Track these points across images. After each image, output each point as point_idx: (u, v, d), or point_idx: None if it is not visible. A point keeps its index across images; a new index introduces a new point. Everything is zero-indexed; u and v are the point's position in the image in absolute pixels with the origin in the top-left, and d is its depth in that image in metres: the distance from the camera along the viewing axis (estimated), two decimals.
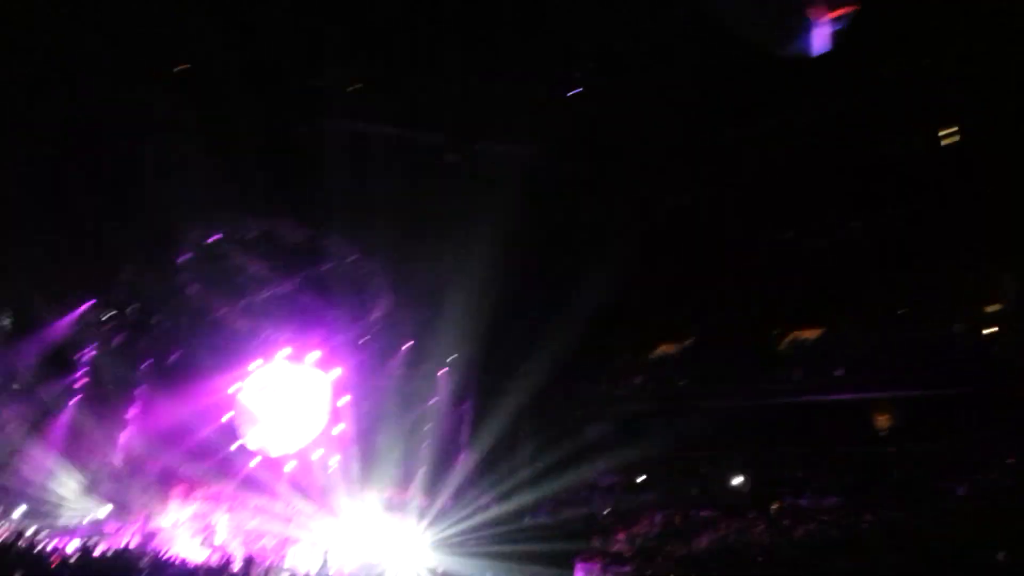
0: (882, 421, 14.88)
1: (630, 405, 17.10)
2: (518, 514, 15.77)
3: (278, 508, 16.34)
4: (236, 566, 12.47)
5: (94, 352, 16.97)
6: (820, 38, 11.85)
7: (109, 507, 15.64)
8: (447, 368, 18.70)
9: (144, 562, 11.47)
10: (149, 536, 14.37)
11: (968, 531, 12.27)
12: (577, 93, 14.64)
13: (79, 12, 13.16)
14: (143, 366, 17.59)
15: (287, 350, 18.09)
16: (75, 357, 16.78)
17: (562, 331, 16.14)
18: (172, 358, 17.80)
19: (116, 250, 16.52)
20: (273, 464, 17.31)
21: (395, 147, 15.40)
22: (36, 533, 13.04)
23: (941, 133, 13.60)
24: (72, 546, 12.64)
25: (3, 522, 13.44)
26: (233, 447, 17.23)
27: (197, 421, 16.94)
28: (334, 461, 17.64)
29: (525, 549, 14.55)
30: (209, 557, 13.80)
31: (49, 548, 11.81)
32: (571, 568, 14.50)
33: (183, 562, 12.47)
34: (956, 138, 13.45)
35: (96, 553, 11.76)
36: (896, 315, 15.23)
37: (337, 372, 18.25)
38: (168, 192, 15.19)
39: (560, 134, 14.96)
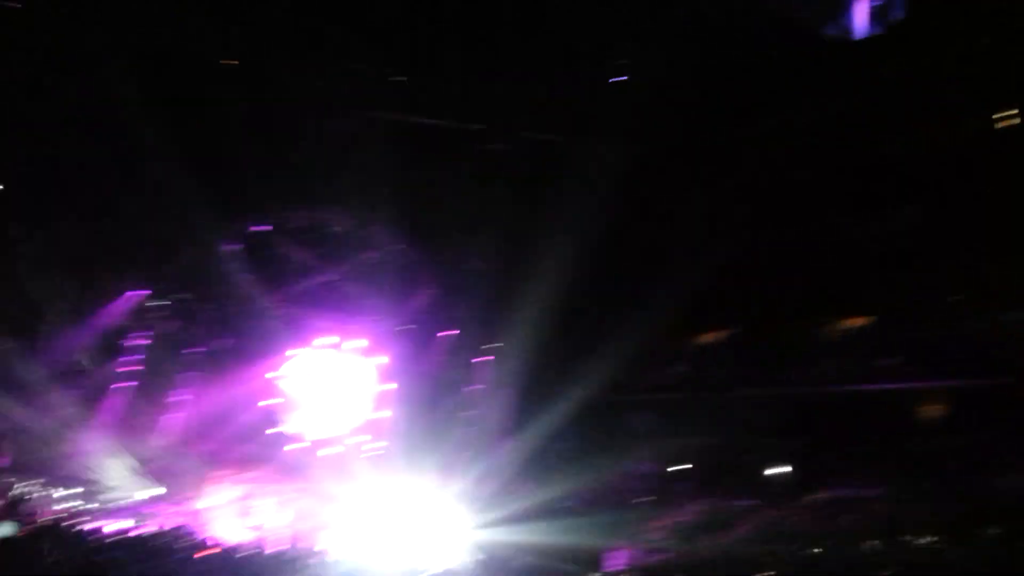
0: (929, 411, 14.59)
1: (670, 393, 17.04)
2: (557, 500, 15.78)
3: (321, 491, 16.61)
4: (280, 547, 12.70)
5: (144, 339, 17.37)
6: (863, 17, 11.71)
7: (157, 488, 16.03)
8: (489, 356, 18.80)
9: (190, 541, 11.77)
10: (196, 516, 14.70)
11: (1016, 524, 12.01)
12: (620, 80, 14.64)
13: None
14: (193, 352, 17.97)
15: (332, 338, 18.35)
16: (126, 342, 17.20)
17: (603, 319, 16.12)
18: (219, 345, 18.15)
19: (166, 240, 16.91)
20: (316, 448, 17.61)
21: (439, 137, 15.52)
22: (87, 512, 13.44)
23: (996, 116, 13.36)
24: (121, 525, 13.02)
25: (56, 502, 13.85)
26: (277, 431, 17.56)
27: (242, 406, 17.31)
28: (376, 446, 17.87)
29: (564, 534, 14.58)
30: (253, 538, 14.08)
31: (99, 527, 12.17)
32: (609, 554, 14.49)
33: (227, 542, 12.75)
34: (1016, 120, 13.21)
35: (144, 532, 12.10)
36: (945, 303, 14.90)
37: (380, 359, 18.47)
38: (215, 183, 15.48)
39: (606, 123, 14.97)
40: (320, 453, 17.48)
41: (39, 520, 10.63)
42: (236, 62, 14.60)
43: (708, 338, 17.39)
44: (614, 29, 14.11)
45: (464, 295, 18.15)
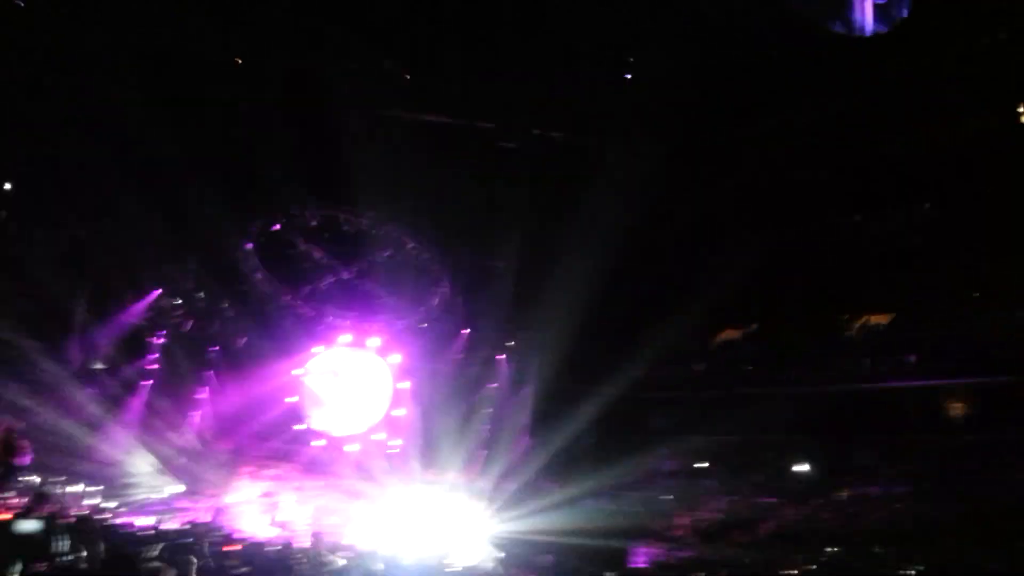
0: (955, 408, 14.49)
1: (694, 390, 16.98)
2: (579, 498, 15.76)
3: (342, 488, 16.64)
4: (302, 542, 12.70)
5: (165, 338, 17.45)
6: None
7: (180, 485, 16.08)
8: (507, 353, 18.78)
9: (216, 536, 11.77)
10: (219, 512, 14.73)
11: None
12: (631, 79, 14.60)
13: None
14: (212, 350, 18.03)
15: (349, 336, 18.37)
16: (148, 341, 17.27)
17: (625, 316, 16.07)
18: (239, 343, 18.20)
19: (183, 240, 16.95)
20: (337, 445, 17.64)
21: (454, 135, 15.50)
22: (112, 509, 13.46)
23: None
24: (146, 521, 13.05)
25: (81, 499, 13.88)
26: (298, 428, 17.61)
27: (263, 403, 17.36)
28: (395, 443, 17.89)
29: (586, 532, 14.55)
30: (278, 534, 14.09)
31: (125, 523, 12.18)
32: (631, 553, 14.46)
33: (251, 538, 12.75)
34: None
35: (170, 528, 12.12)
36: (970, 299, 14.80)
37: (397, 357, 18.49)
38: (232, 183, 15.51)
39: (618, 121, 14.92)
40: (341, 450, 17.54)
41: (64, 516, 10.61)
42: (250, 61, 14.58)
43: (730, 336, 17.32)
44: (618, 29, 14.06)
45: (483, 293, 18.14)
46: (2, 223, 15.29)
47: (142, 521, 12.97)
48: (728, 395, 16.42)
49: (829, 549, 13.20)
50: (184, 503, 15.52)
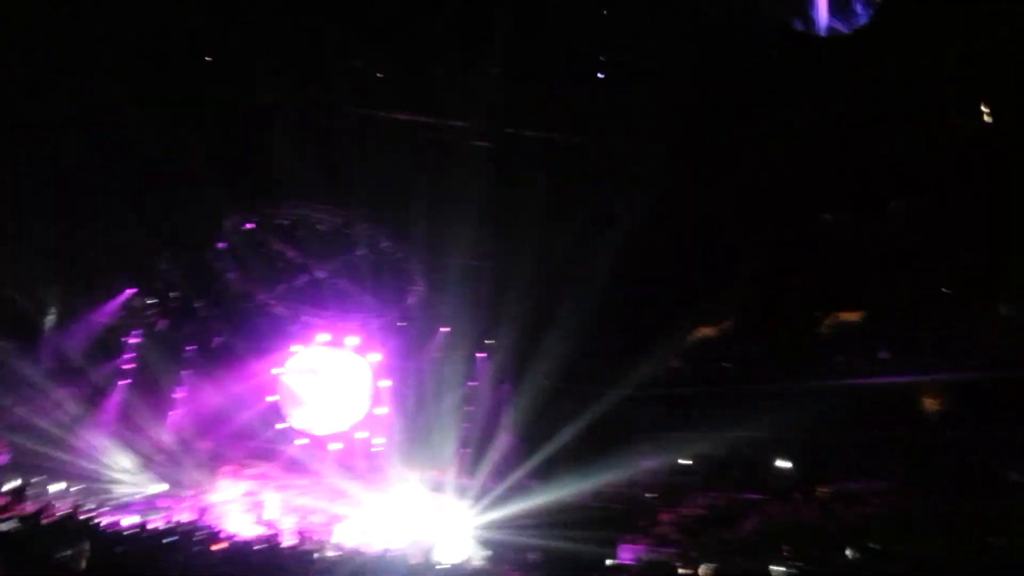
0: (932, 404, 14.72)
1: (674, 387, 17.06)
2: (561, 495, 15.79)
3: (325, 486, 16.56)
4: (285, 541, 12.60)
5: (140, 337, 17.28)
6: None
7: (162, 485, 15.92)
8: (486, 351, 18.78)
9: (196, 536, 11.62)
10: (201, 512, 14.57)
11: (1022, 517, 12.14)
12: (605, 77, 14.67)
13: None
14: (188, 350, 17.85)
15: (326, 335, 18.27)
16: (122, 341, 17.09)
17: (603, 314, 16.13)
18: (215, 342, 18.05)
19: (155, 239, 16.77)
20: (318, 444, 17.55)
21: (426, 132, 15.48)
22: (93, 509, 13.24)
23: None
24: (128, 521, 12.87)
25: (60, 498, 13.67)
26: (279, 427, 17.49)
27: (242, 403, 17.26)
28: (377, 442, 17.82)
29: (569, 530, 14.57)
30: (262, 532, 13.95)
31: (107, 523, 12.00)
32: (615, 550, 14.50)
33: (234, 537, 12.61)
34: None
35: (151, 527, 11.97)
36: (943, 295, 15.04)
37: (376, 356, 18.41)
38: (203, 181, 15.36)
39: (588, 119, 15.00)
40: (323, 449, 17.44)
41: (45, 517, 10.44)
42: (224, 59, 14.45)
43: (712, 333, 17.43)
44: (613, 27, 14.15)
45: (460, 291, 18.13)
46: None
47: (125, 521, 12.78)
48: (710, 392, 16.54)
49: (812, 545, 13.32)
50: (167, 502, 15.39)
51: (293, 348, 18.17)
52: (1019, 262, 13.58)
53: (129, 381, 16.57)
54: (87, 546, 9.90)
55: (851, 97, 13.46)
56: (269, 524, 14.94)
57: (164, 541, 11.02)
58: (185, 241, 17.34)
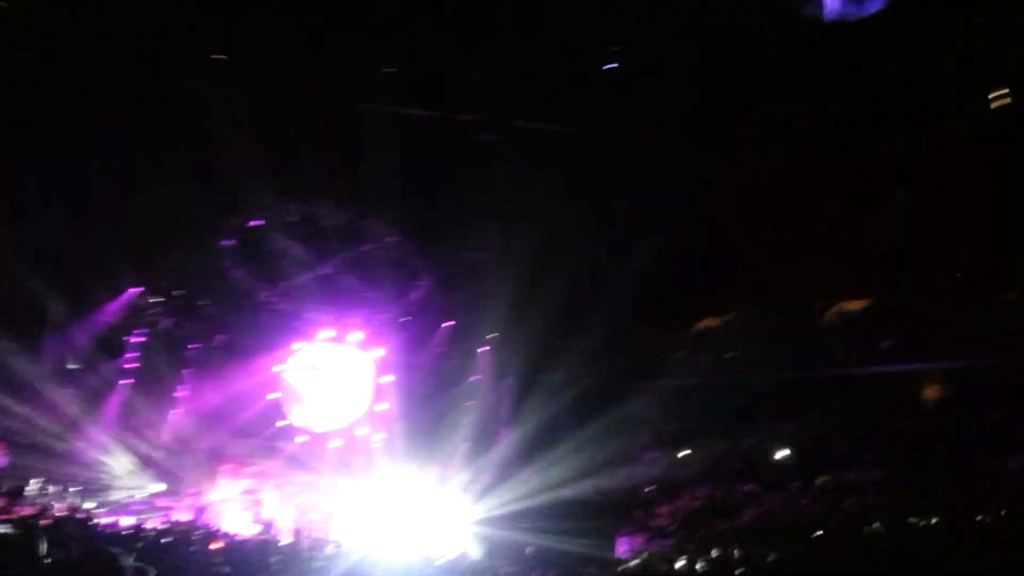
0: (931, 394, 14.66)
1: (673, 378, 17.05)
2: (560, 488, 15.81)
3: (324, 483, 16.62)
4: (285, 539, 12.68)
5: (143, 336, 17.35)
6: None
7: (161, 484, 16.02)
8: (488, 346, 18.79)
9: (198, 535, 11.72)
10: (201, 511, 14.68)
11: (1019, 506, 12.06)
12: (612, 68, 14.61)
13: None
14: (191, 348, 17.93)
15: (329, 331, 18.31)
16: (125, 340, 17.17)
17: (603, 306, 16.12)
18: (218, 340, 18.12)
19: (160, 237, 16.84)
20: (319, 441, 17.61)
21: (431, 127, 15.47)
22: (92, 509, 13.40)
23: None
24: (127, 521, 12.99)
25: (59, 499, 13.79)
26: (279, 425, 17.56)
27: (244, 400, 17.30)
28: (378, 438, 17.87)
29: (567, 523, 14.61)
30: (261, 531, 14.07)
31: (106, 523, 12.12)
32: (613, 542, 14.53)
33: (234, 535, 12.72)
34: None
35: (152, 527, 12.07)
36: (945, 284, 14.96)
37: (378, 352, 18.45)
38: (209, 179, 15.41)
39: (597, 111, 14.95)
40: (324, 446, 17.51)
41: (43, 518, 10.54)
42: (226, 56, 14.48)
43: (708, 324, 17.40)
44: (612, 22, 14.08)
45: (461, 286, 18.14)
46: None
47: (124, 521, 12.90)
48: (708, 383, 16.52)
49: (811, 534, 13.29)
50: (165, 502, 15.49)
51: (296, 345, 18.20)
52: (1018, 255, 13.50)
53: (132, 380, 16.63)
54: (83, 548, 10.00)
55: (851, 97, 13.39)
56: (268, 522, 15.03)
57: (161, 541, 11.11)
58: (190, 239, 17.38)
